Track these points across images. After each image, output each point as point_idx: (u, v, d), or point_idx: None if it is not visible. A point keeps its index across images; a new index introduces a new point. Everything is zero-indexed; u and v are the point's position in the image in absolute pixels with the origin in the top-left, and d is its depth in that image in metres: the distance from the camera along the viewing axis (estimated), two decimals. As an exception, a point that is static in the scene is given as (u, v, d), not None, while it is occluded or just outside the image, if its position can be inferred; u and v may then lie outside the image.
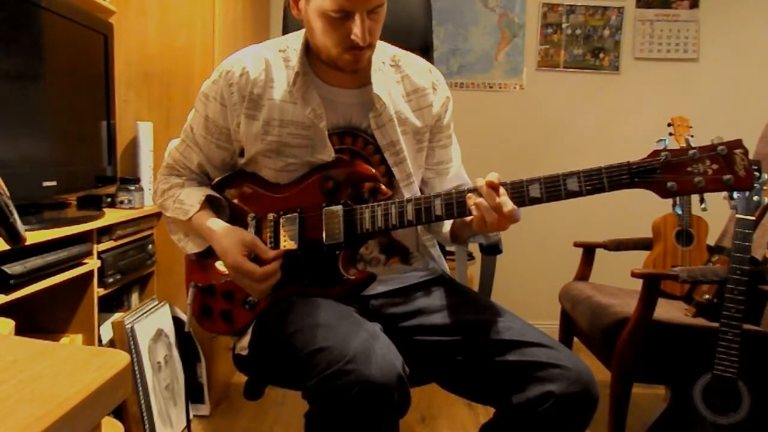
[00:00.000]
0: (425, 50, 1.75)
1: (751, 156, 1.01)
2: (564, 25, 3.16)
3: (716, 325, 1.65)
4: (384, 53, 1.31)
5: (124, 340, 1.79)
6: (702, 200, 1.68)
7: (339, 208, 1.20)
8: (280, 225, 1.25)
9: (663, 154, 1.03)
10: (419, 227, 1.36)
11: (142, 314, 1.90)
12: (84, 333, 1.67)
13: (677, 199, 2.22)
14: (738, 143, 1.01)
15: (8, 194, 0.69)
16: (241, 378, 1.31)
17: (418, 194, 1.30)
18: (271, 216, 1.26)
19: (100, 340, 1.76)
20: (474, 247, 2.37)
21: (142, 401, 1.81)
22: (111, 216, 1.76)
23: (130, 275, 1.90)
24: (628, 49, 3.16)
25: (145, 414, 1.81)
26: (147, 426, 1.82)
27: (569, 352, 1.12)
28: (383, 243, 1.30)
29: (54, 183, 1.63)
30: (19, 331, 0.98)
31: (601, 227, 2.81)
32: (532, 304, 2.96)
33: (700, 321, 1.89)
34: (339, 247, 1.20)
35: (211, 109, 1.27)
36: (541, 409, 1.06)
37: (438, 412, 2.31)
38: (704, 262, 2.20)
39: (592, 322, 2.00)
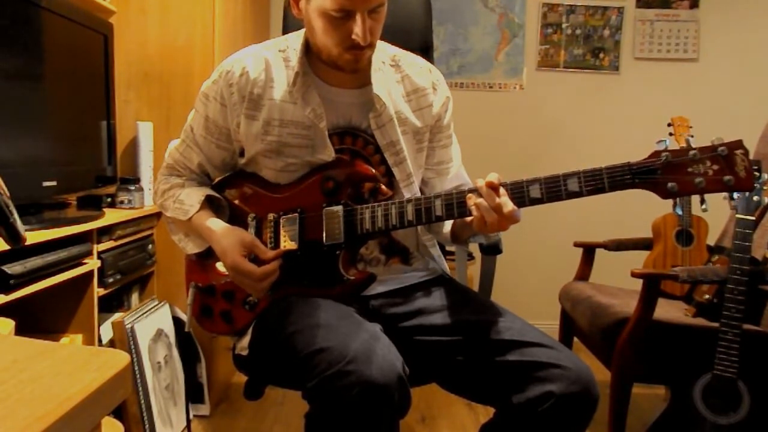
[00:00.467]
0: (425, 50, 1.74)
1: (750, 156, 1.01)
2: (564, 25, 3.16)
3: (716, 325, 1.65)
4: (384, 53, 1.31)
5: (124, 340, 1.79)
6: (702, 201, 1.68)
7: (339, 208, 1.20)
8: (281, 225, 1.25)
9: (663, 154, 1.03)
10: (419, 227, 1.35)
11: (142, 314, 1.90)
12: (84, 333, 1.67)
13: (678, 199, 2.22)
14: (738, 144, 1.01)
15: (8, 194, 0.69)
16: (241, 378, 1.31)
17: (419, 194, 1.30)
18: (271, 216, 1.26)
19: (100, 340, 1.76)
20: (474, 247, 2.37)
21: (142, 401, 1.81)
22: (111, 216, 1.76)
23: (130, 275, 1.90)
24: (628, 49, 3.16)
25: (145, 414, 1.81)
26: (147, 426, 1.82)
27: (569, 352, 1.12)
28: (383, 243, 1.30)
29: (54, 183, 1.63)
30: (19, 331, 0.98)
31: (601, 227, 2.81)
32: (532, 304, 2.96)
33: (700, 321, 1.89)
34: (339, 247, 1.20)
35: (211, 109, 1.27)
36: (541, 409, 1.06)
37: (438, 412, 2.31)
38: (704, 262, 2.20)
39: (592, 322, 2.00)
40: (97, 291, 1.69)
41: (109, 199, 1.97)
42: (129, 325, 1.81)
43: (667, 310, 1.96)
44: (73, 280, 1.56)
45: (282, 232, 1.24)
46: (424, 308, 1.25)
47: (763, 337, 1.81)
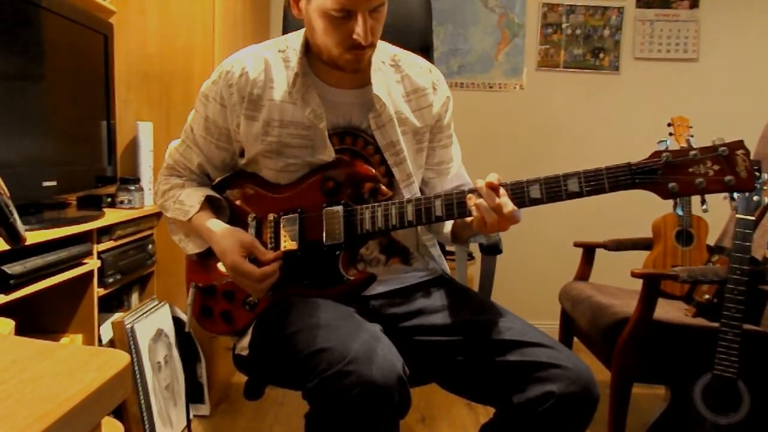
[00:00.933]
0: (425, 50, 1.74)
1: (751, 156, 1.01)
2: (564, 25, 3.16)
3: (716, 325, 1.65)
4: (384, 53, 1.31)
5: (124, 340, 1.79)
6: (703, 201, 1.68)
7: (339, 208, 1.20)
8: (281, 225, 1.25)
9: (664, 155, 1.03)
10: (419, 227, 1.35)
11: (142, 314, 1.90)
12: (84, 333, 1.67)
13: (678, 199, 2.22)
14: (739, 144, 1.01)
15: (8, 194, 0.69)
16: (241, 378, 1.31)
17: (419, 194, 1.30)
18: (271, 216, 1.26)
19: (100, 340, 1.76)
20: (474, 247, 2.37)
21: (142, 401, 1.81)
22: (111, 216, 1.76)
23: (130, 275, 1.90)
24: (628, 49, 3.16)
25: (145, 414, 1.81)
26: (147, 426, 1.82)
27: (569, 352, 1.12)
28: (383, 243, 1.30)
29: (54, 183, 1.63)
30: (19, 331, 0.98)
31: (601, 227, 2.81)
32: (532, 304, 2.96)
33: (700, 321, 1.89)
34: (339, 247, 1.20)
35: (211, 110, 1.27)
36: (542, 409, 1.06)
37: (438, 412, 2.31)
38: (704, 262, 2.20)
39: (592, 322, 2.00)
40: (97, 291, 1.69)
41: (109, 199, 1.97)
42: (129, 325, 1.81)
43: (667, 310, 1.96)
44: (73, 280, 1.56)
45: (282, 233, 1.24)
46: (424, 308, 1.25)
47: (763, 337, 1.81)
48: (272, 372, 1.22)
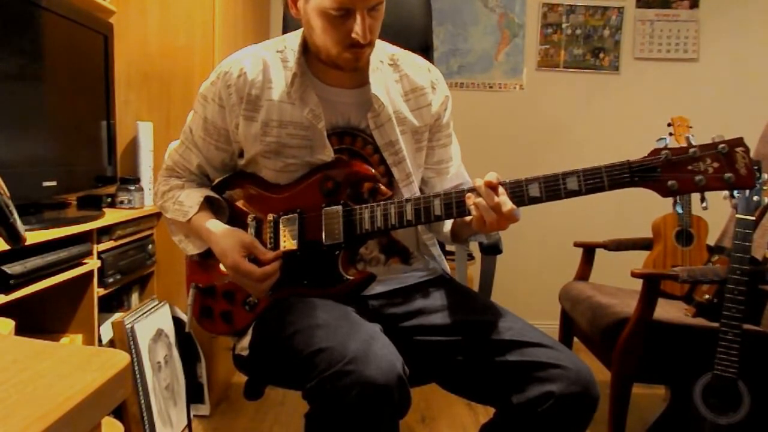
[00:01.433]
0: (425, 50, 1.75)
1: (750, 156, 1.01)
2: (564, 25, 3.16)
3: (716, 325, 1.65)
4: (382, 52, 1.31)
5: (124, 340, 1.79)
6: (703, 199, 1.68)
7: (338, 208, 1.20)
8: (280, 225, 1.25)
9: (663, 152, 1.03)
10: (419, 227, 1.35)
11: (142, 314, 1.90)
12: (84, 333, 1.67)
13: (678, 198, 2.22)
14: (739, 141, 1.01)
15: (8, 194, 0.69)
16: (241, 378, 1.31)
17: (418, 194, 1.30)
18: (270, 217, 1.26)
19: (100, 340, 1.76)
20: (474, 247, 2.37)
21: (142, 401, 1.81)
22: (111, 216, 1.76)
23: (130, 275, 1.90)
24: (628, 49, 3.16)
25: (145, 414, 1.81)
26: (147, 426, 1.82)
27: (569, 352, 1.12)
28: (383, 243, 1.30)
29: (54, 183, 1.63)
30: (19, 331, 0.98)
31: (601, 227, 2.81)
32: (532, 304, 2.96)
33: (700, 321, 1.89)
34: (339, 247, 1.20)
35: (210, 111, 1.27)
36: (541, 410, 1.06)
37: (438, 412, 2.31)
38: (704, 262, 2.20)
39: (592, 322, 2.00)
40: (97, 291, 1.69)
41: (109, 199, 1.97)
42: (129, 325, 1.81)
43: (667, 310, 1.96)
44: (73, 280, 1.56)
45: (282, 233, 1.24)
46: (424, 308, 1.25)
47: (763, 337, 1.81)
48: (272, 372, 1.22)
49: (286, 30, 1.69)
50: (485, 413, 2.14)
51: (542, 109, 3.18)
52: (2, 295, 1.28)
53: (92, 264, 1.65)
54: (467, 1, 3.14)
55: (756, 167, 1.64)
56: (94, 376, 0.50)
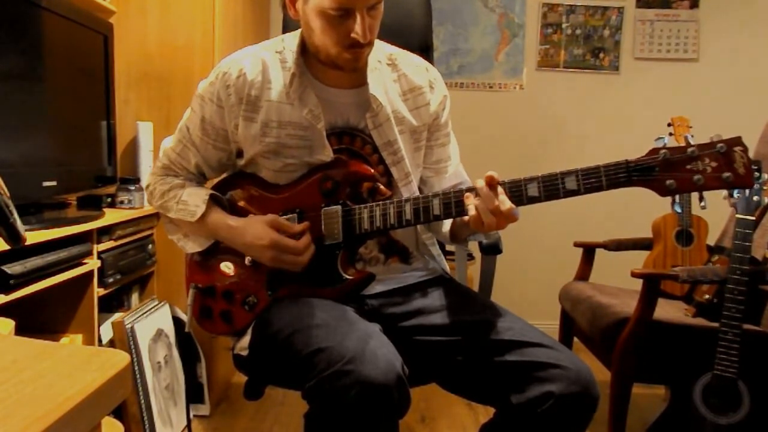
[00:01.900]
0: (425, 50, 1.74)
1: (750, 156, 1.01)
2: (564, 25, 3.16)
3: (716, 325, 1.65)
4: (380, 52, 1.31)
5: (124, 340, 1.79)
6: (701, 198, 1.69)
7: (338, 208, 1.20)
8: (280, 225, 1.24)
9: (662, 152, 1.03)
10: (419, 226, 1.36)
11: (142, 314, 1.90)
12: (84, 333, 1.67)
13: (677, 197, 2.21)
14: (737, 140, 1.01)
15: (8, 194, 0.69)
16: (241, 378, 1.31)
17: (417, 193, 1.30)
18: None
19: (100, 340, 1.76)
20: (474, 247, 2.37)
21: (142, 401, 1.81)
22: (111, 216, 1.76)
23: (130, 275, 1.90)
24: (628, 49, 3.16)
25: (145, 414, 1.81)
26: (147, 426, 1.82)
27: (569, 352, 1.12)
28: (382, 243, 1.30)
29: (54, 183, 1.63)
30: (19, 331, 0.98)
31: (601, 227, 2.81)
32: (532, 304, 2.96)
33: (700, 321, 1.89)
34: (338, 247, 1.20)
35: (208, 111, 1.27)
36: (541, 410, 1.06)
37: (438, 412, 2.31)
38: (704, 262, 2.20)
39: (592, 322, 2.00)
40: (97, 291, 1.69)
41: (109, 199, 1.97)
42: (129, 325, 1.81)
43: (667, 310, 1.96)
44: (73, 280, 1.56)
45: (282, 232, 1.24)
46: (423, 308, 1.25)
47: (763, 337, 1.81)
48: (272, 372, 1.22)
49: (286, 30, 1.69)
50: (485, 413, 2.14)
51: (542, 109, 3.18)
52: (2, 295, 1.28)
53: (92, 264, 1.65)
54: (467, 1, 3.14)
55: (756, 167, 1.65)
56: (94, 376, 0.50)
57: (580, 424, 1.09)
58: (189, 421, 2.04)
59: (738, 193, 1.66)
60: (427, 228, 1.38)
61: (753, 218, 1.65)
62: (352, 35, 1.13)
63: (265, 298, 1.24)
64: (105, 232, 1.73)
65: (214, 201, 1.28)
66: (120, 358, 0.54)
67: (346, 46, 1.16)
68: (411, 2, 1.78)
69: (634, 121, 3.15)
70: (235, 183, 1.33)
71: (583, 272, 2.43)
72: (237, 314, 1.27)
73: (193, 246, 1.32)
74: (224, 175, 1.37)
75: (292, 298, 1.19)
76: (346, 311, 1.12)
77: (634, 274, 1.84)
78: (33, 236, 1.37)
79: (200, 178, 1.37)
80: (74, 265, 1.56)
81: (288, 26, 1.72)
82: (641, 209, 2.38)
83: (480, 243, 1.55)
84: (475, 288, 1.58)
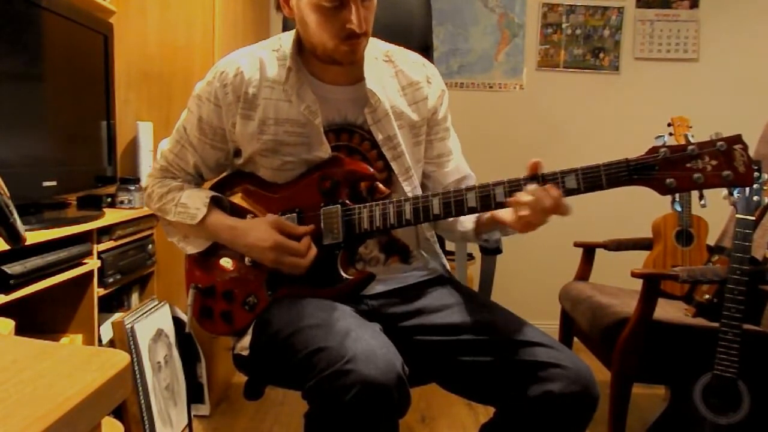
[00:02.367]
0: (425, 50, 1.74)
1: (750, 156, 1.01)
2: (564, 25, 3.16)
3: (716, 325, 1.65)
4: (376, 49, 1.31)
5: (124, 340, 1.79)
6: (701, 197, 1.69)
7: (337, 207, 1.20)
8: (280, 225, 1.24)
9: (661, 150, 1.03)
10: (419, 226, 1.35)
11: (142, 314, 1.90)
12: (84, 333, 1.67)
13: (676, 195, 2.21)
14: (737, 139, 1.01)
15: (8, 194, 0.69)
16: (241, 378, 1.31)
17: (419, 188, 1.30)
18: (269, 215, 1.26)
19: (100, 340, 1.76)
20: (474, 247, 2.37)
21: (142, 401, 1.81)
22: (111, 216, 1.76)
23: (130, 275, 1.90)
24: (628, 49, 3.16)
25: (145, 414, 1.81)
26: (147, 426, 1.82)
27: (569, 351, 1.12)
28: (382, 242, 1.30)
29: (54, 183, 1.63)
30: (19, 331, 0.98)
31: (601, 227, 2.81)
32: (532, 304, 2.95)
33: (700, 321, 1.89)
34: (338, 246, 1.20)
35: (205, 110, 1.27)
36: (541, 409, 1.06)
37: (438, 412, 2.31)
38: (704, 262, 2.20)
39: (592, 322, 2.00)
40: (97, 291, 1.69)
41: (109, 199, 1.97)
42: (129, 325, 1.81)
43: (667, 310, 1.96)
44: (73, 280, 1.56)
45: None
46: (423, 308, 1.25)
47: (763, 337, 1.81)
48: (272, 372, 1.22)
49: (285, 30, 1.69)
50: (485, 413, 2.14)
51: (542, 109, 3.18)
52: (2, 295, 1.28)
53: (92, 264, 1.65)
54: (467, 1, 3.14)
55: (756, 167, 1.64)
56: (94, 376, 0.50)
57: (580, 424, 1.09)
58: (189, 421, 2.04)
59: (738, 192, 1.66)
60: (433, 226, 1.38)
61: (753, 218, 1.65)
62: (348, 26, 1.14)
63: (265, 298, 1.24)
64: (105, 232, 1.73)
65: (214, 202, 1.28)
66: (120, 358, 0.54)
67: (343, 38, 1.16)
68: (411, 2, 1.78)
69: (634, 121, 3.15)
70: (233, 183, 1.33)
71: (583, 272, 2.43)
72: (237, 314, 1.27)
73: (192, 247, 1.32)
74: (223, 175, 1.37)
75: (292, 298, 1.19)
76: (346, 311, 1.12)
77: (634, 274, 1.84)
78: (33, 236, 1.37)
79: (198, 179, 1.37)
80: (74, 265, 1.56)
81: (288, 26, 1.72)
82: (641, 209, 2.38)
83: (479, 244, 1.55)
84: (475, 288, 1.58)
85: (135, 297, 2.08)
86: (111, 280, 1.75)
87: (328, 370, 0.95)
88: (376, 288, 1.26)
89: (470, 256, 2.65)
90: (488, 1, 3.14)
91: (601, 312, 1.98)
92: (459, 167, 1.38)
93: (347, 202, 1.21)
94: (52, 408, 0.44)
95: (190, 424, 2.00)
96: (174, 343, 2.05)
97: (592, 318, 2.00)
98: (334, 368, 0.95)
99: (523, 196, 1.07)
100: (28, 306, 1.42)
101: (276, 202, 1.26)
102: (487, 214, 1.21)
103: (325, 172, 1.23)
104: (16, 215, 0.69)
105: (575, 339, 2.30)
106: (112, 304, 1.96)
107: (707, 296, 1.93)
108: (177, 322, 2.08)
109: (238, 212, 1.30)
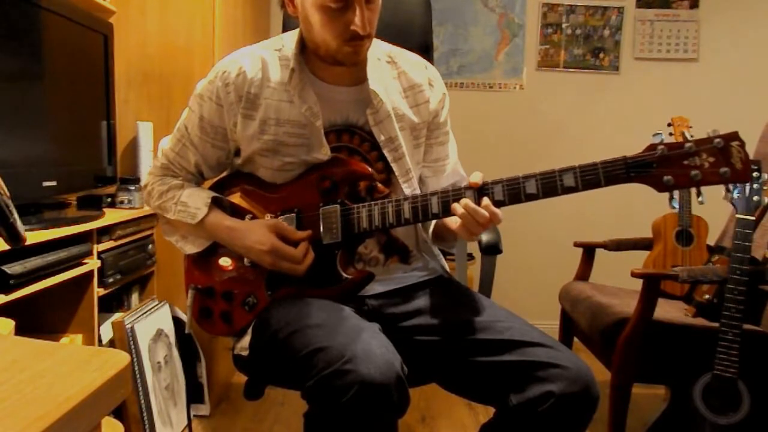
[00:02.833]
0: (425, 50, 1.74)
1: (751, 156, 1.01)
2: (564, 25, 3.16)
3: (716, 325, 1.65)
4: (379, 50, 1.31)
5: (124, 340, 1.79)
6: (699, 193, 1.69)
7: (336, 207, 1.20)
8: (280, 225, 1.24)
9: (659, 148, 1.03)
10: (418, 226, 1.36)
11: (142, 314, 1.90)
12: (84, 333, 1.67)
13: (674, 193, 2.21)
14: (734, 135, 1.01)
15: (8, 194, 0.69)
16: (241, 378, 1.31)
17: (417, 190, 1.31)
18: (268, 216, 1.26)
19: (100, 340, 1.76)
20: (474, 247, 2.37)
21: (142, 401, 1.81)
22: (111, 216, 1.76)
23: (130, 275, 1.90)
24: (628, 49, 3.16)
25: (145, 414, 1.81)
26: (147, 426, 1.82)
27: (569, 351, 1.12)
28: (382, 242, 1.30)
29: (54, 183, 1.63)
30: (19, 331, 0.98)
31: (601, 227, 2.81)
32: (532, 304, 2.96)
33: (700, 321, 1.89)
34: (337, 246, 1.20)
35: (206, 110, 1.27)
36: (541, 409, 1.06)
37: (438, 412, 2.31)
38: (704, 262, 2.20)
39: (592, 322, 2.00)
40: (97, 291, 1.69)
41: (109, 199, 1.97)
42: (129, 325, 1.81)
43: (667, 310, 1.96)
44: (73, 280, 1.56)
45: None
46: (423, 308, 1.25)
47: (763, 337, 1.81)
48: (272, 372, 1.22)
49: (286, 30, 1.69)
50: (485, 413, 2.14)
51: (542, 109, 3.18)
52: (2, 295, 1.28)
53: (92, 264, 1.65)
54: (467, 1, 3.14)
55: (756, 167, 1.65)
56: (94, 376, 0.50)
57: (580, 424, 1.09)
58: (189, 421, 2.04)
59: (738, 192, 1.66)
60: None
61: (753, 218, 1.65)
62: (352, 27, 1.14)
63: (265, 299, 1.24)
64: (105, 232, 1.73)
65: (214, 202, 1.28)
66: (120, 358, 0.54)
67: (346, 39, 1.16)
68: (411, 2, 1.78)
69: (633, 121, 3.15)
70: (233, 183, 1.33)
71: (583, 272, 2.42)
72: (237, 315, 1.27)
73: (191, 247, 1.32)
74: (222, 175, 1.37)
75: (291, 298, 1.19)
76: (346, 311, 1.12)
77: (634, 274, 1.84)
78: (33, 236, 1.37)
79: (199, 178, 1.37)
80: (74, 265, 1.56)
81: (288, 26, 1.72)
82: (641, 209, 2.38)
83: (480, 243, 1.55)
84: (475, 288, 1.58)
85: (135, 297, 2.09)
86: (111, 280, 1.75)
87: (328, 369, 0.95)
88: (376, 288, 1.26)
89: (470, 256, 2.65)
90: (488, 1, 3.14)
91: (601, 312, 1.98)
92: (455, 171, 1.39)
93: (346, 201, 1.21)
94: (52, 408, 0.44)
95: (190, 424, 2.00)
96: (174, 343, 2.05)
97: (592, 318, 2.00)
98: (334, 368, 0.95)
99: (458, 208, 1.10)
100: (28, 306, 1.42)
101: (275, 202, 1.26)
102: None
103: (324, 172, 1.23)
104: (16, 215, 0.69)
105: (575, 339, 2.30)
106: (112, 304, 1.96)
107: (707, 296, 1.93)
108: (177, 322, 2.08)
109: (237, 212, 1.30)
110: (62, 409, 0.45)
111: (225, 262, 1.29)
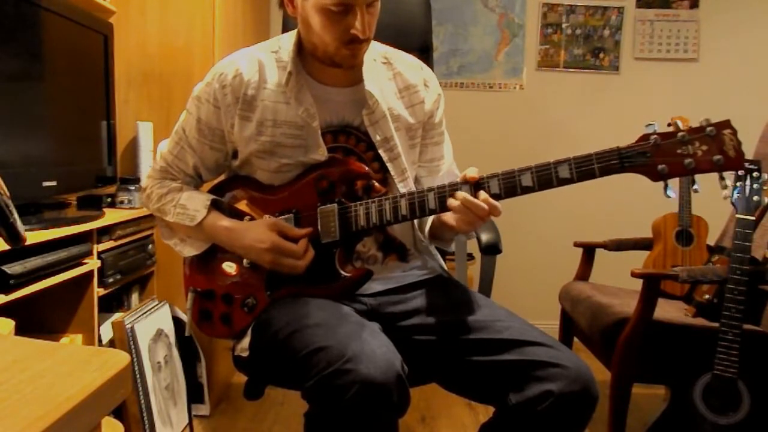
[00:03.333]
0: (425, 50, 1.75)
1: (750, 156, 1.02)
2: (564, 25, 3.16)
3: (716, 325, 1.65)
4: (374, 51, 1.31)
5: (124, 340, 1.79)
6: (693, 182, 1.69)
7: (334, 206, 1.20)
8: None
9: (652, 137, 1.04)
10: (416, 224, 1.36)
11: (142, 314, 1.90)
12: (84, 333, 1.67)
13: (668, 182, 2.21)
14: (726, 124, 1.02)
15: (8, 194, 0.69)
16: (241, 378, 1.31)
17: (413, 189, 1.31)
18: (266, 218, 1.26)
19: (100, 340, 1.76)
20: (474, 247, 2.37)
21: (142, 401, 1.81)
22: (111, 216, 1.76)
23: (130, 275, 1.90)
24: (628, 49, 3.16)
25: (145, 414, 1.81)
26: (147, 426, 1.82)
27: (569, 351, 1.12)
28: (379, 240, 1.30)
29: (54, 183, 1.63)
30: (19, 331, 0.98)
31: (601, 227, 2.81)
32: (532, 304, 2.95)
33: (700, 321, 1.89)
34: (335, 245, 1.21)
35: (204, 112, 1.27)
36: (541, 408, 1.06)
37: (438, 412, 2.31)
38: (704, 262, 2.20)
39: (592, 322, 2.00)
40: (97, 291, 1.69)
41: (109, 199, 1.97)
42: (129, 325, 1.81)
43: (667, 310, 1.96)
44: (73, 280, 1.56)
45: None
46: (422, 307, 1.25)
47: (763, 337, 1.81)
48: (272, 372, 1.22)
49: (285, 30, 1.69)
50: (485, 413, 2.14)
51: (542, 109, 3.18)
52: (2, 295, 1.28)
53: (92, 264, 1.65)
54: (467, 1, 3.14)
55: (756, 167, 1.65)
56: (94, 376, 0.50)
57: (580, 424, 1.09)
58: (189, 421, 2.04)
59: (738, 192, 1.67)
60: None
61: (753, 218, 1.65)
62: (352, 31, 1.14)
63: (264, 299, 1.24)
64: (105, 232, 1.73)
65: (213, 205, 1.29)
66: (120, 358, 0.54)
67: (345, 42, 1.16)
68: (411, 2, 1.78)
69: (633, 121, 3.12)
70: (231, 186, 1.33)
71: (583, 272, 2.42)
72: (236, 316, 1.27)
73: (190, 250, 1.32)
74: (220, 179, 1.37)
75: (290, 298, 1.19)
76: (344, 310, 1.13)
77: (634, 274, 1.84)
78: (33, 236, 1.37)
79: (197, 181, 1.37)
80: (74, 265, 1.56)
81: (288, 26, 1.72)
82: (641, 209, 2.38)
83: (479, 243, 1.55)
84: (475, 288, 1.58)
85: (135, 297, 2.09)
86: (111, 280, 1.75)
87: (328, 369, 0.95)
88: (375, 287, 1.26)
89: (470, 256, 2.65)
90: (488, 1, 3.14)
91: (601, 312, 1.98)
92: (449, 172, 1.39)
93: (343, 200, 1.21)
94: (52, 408, 0.44)
95: (190, 424, 2.00)
96: (174, 343, 2.05)
97: (592, 318, 2.00)
98: (334, 367, 0.95)
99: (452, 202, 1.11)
100: (28, 306, 1.42)
101: (273, 204, 1.26)
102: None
103: (321, 172, 1.23)
104: (16, 215, 0.69)
105: (575, 339, 2.30)
106: (112, 304, 1.96)
107: (707, 296, 1.93)
108: (177, 322, 2.08)
109: (235, 215, 1.30)
110: (62, 409, 0.45)
111: (225, 265, 1.29)
